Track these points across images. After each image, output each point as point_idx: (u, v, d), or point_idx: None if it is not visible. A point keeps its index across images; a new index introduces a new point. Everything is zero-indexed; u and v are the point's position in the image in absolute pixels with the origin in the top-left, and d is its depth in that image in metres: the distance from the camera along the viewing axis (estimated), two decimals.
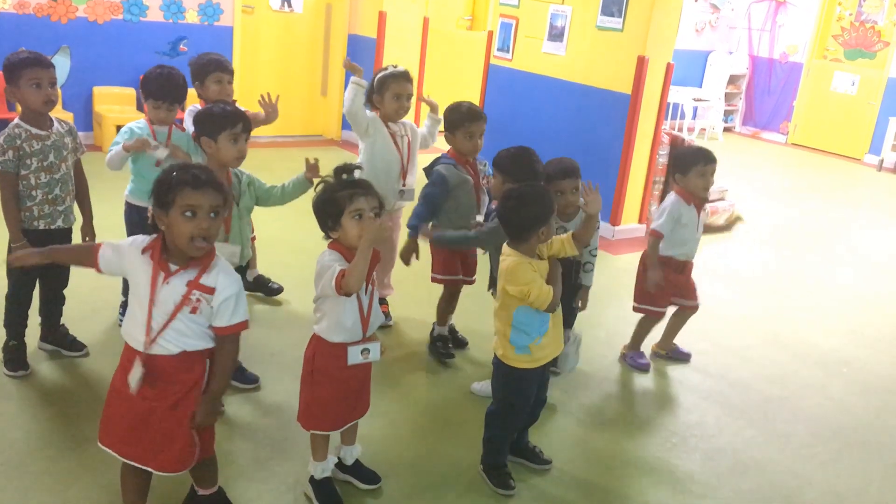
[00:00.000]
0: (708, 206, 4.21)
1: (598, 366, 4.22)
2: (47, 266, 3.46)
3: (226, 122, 3.16)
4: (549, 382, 3.23)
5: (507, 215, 2.88)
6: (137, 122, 3.77)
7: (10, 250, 3.36)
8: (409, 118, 4.20)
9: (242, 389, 3.55)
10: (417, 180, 4.13)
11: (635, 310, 4.21)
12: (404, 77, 4.04)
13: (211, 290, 2.33)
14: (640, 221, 6.58)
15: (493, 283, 3.56)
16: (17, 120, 3.32)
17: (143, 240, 2.37)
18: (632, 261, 5.28)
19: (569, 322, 4.00)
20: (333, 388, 2.73)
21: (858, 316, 5.37)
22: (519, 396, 3.02)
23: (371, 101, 4.09)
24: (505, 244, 2.93)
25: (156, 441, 2.38)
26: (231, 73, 4.12)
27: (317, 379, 2.73)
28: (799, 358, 4.59)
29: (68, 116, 6.80)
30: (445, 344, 4.08)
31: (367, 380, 2.85)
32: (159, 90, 3.69)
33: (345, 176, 2.65)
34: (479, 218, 3.89)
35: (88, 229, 3.62)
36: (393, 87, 3.99)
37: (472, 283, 4.11)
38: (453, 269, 3.97)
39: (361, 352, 2.71)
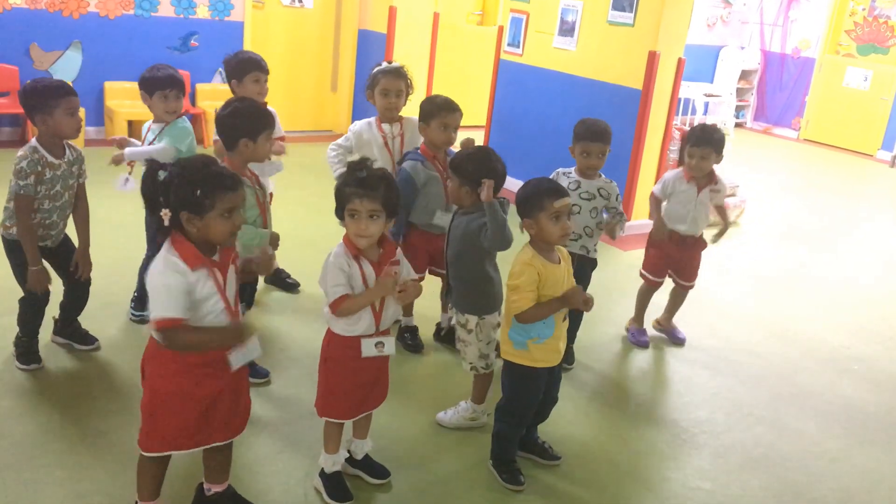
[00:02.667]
0: (722, 189, 4.29)
1: (608, 362, 4.22)
2: (60, 270, 3.52)
3: (267, 123, 3.23)
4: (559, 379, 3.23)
5: (518, 196, 2.96)
6: (156, 126, 3.82)
7: (27, 274, 3.34)
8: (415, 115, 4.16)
9: (253, 384, 3.54)
10: None
11: (641, 275, 4.42)
12: (393, 73, 3.99)
13: (237, 256, 2.52)
14: (650, 217, 6.55)
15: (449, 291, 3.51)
16: (34, 143, 3.30)
17: (171, 262, 2.29)
18: (641, 256, 5.26)
19: (576, 322, 4.01)
20: (346, 377, 2.74)
21: (869, 312, 5.34)
22: (523, 393, 3.02)
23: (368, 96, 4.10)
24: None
25: (226, 414, 2.48)
26: (267, 72, 4.14)
27: (330, 367, 2.75)
28: (809, 354, 4.57)
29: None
30: (413, 334, 4.08)
31: (383, 370, 2.85)
32: (169, 79, 3.76)
33: (357, 173, 2.65)
34: (444, 217, 3.79)
35: (83, 255, 3.54)
36: (381, 83, 3.97)
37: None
38: (420, 268, 3.92)
39: (376, 345, 2.72)
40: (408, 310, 4.09)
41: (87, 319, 3.80)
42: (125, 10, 7.41)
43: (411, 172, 3.77)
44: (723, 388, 4.07)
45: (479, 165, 3.20)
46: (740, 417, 3.80)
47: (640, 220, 6.49)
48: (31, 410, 3.24)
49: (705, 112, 11.13)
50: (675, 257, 4.29)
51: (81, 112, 3.47)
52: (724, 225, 4.33)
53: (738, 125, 12.15)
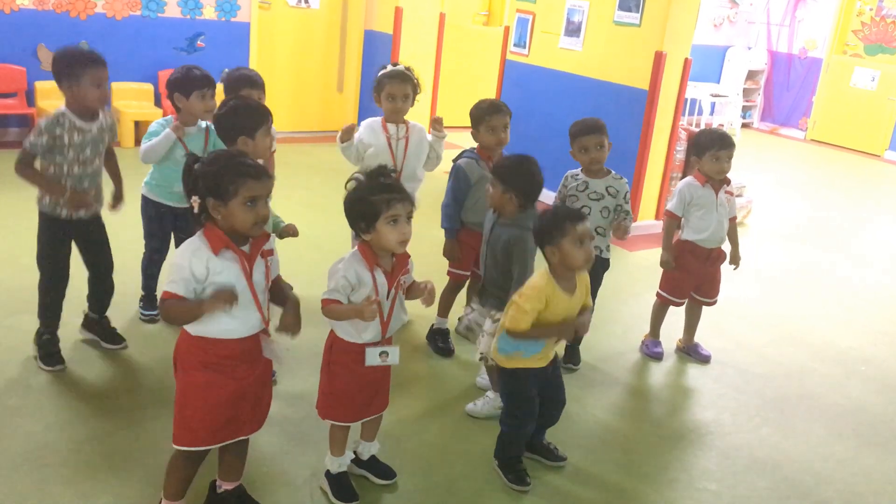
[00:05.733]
0: (734, 189, 4.17)
1: (615, 362, 4.21)
2: (88, 249, 3.57)
3: (263, 117, 3.23)
4: (565, 379, 3.23)
5: (537, 226, 2.96)
6: (165, 119, 3.79)
7: (70, 198, 3.36)
8: (421, 120, 4.15)
9: None
10: (431, 179, 4.12)
11: (657, 296, 4.26)
12: (399, 77, 3.96)
13: (272, 252, 2.51)
14: (656, 218, 6.55)
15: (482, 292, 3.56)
16: (63, 108, 3.34)
17: (199, 245, 2.33)
18: (648, 257, 5.26)
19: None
20: (349, 380, 2.74)
21: (877, 314, 5.32)
22: (515, 393, 3.03)
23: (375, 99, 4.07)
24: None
25: (249, 410, 2.51)
26: (262, 87, 4.03)
27: (333, 370, 2.75)
28: (817, 356, 4.56)
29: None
30: (445, 338, 4.09)
31: (386, 376, 2.86)
32: (203, 78, 3.70)
33: (382, 179, 2.63)
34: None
35: (119, 194, 3.68)
36: (387, 88, 3.94)
37: None
38: (466, 266, 3.99)
39: (380, 354, 2.71)
40: (442, 311, 4.09)
41: None
42: (132, 11, 7.43)
43: (466, 169, 3.80)
44: (729, 389, 4.06)
45: (520, 175, 3.28)
46: (747, 418, 3.79)
47: (646, 221, 6.49)
48: (39, 410, 3.25)
49: (712, 112, 11.12)
50: (698, 274, 4.14)
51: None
52: (735, 250, 4.19)
53: (744, 125, 12.12)
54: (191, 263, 2.30)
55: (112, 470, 2.88)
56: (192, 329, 2.39)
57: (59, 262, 3.50)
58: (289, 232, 3.45)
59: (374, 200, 2.56)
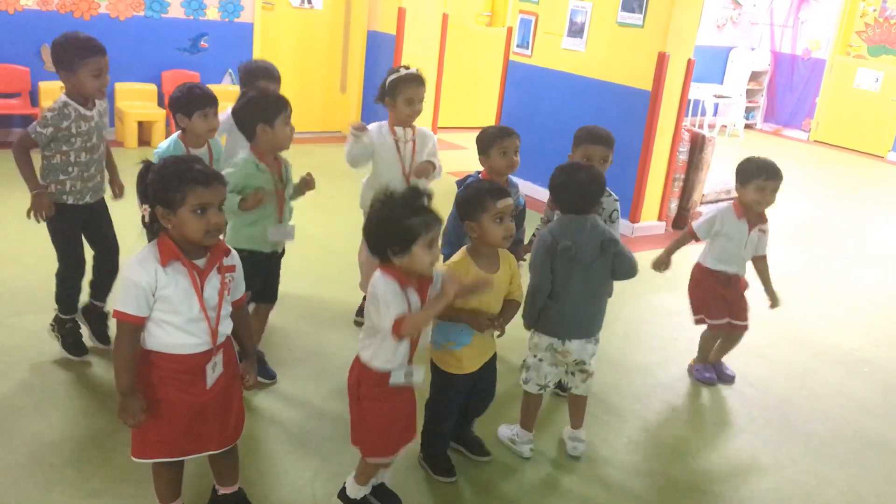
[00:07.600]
0: (767, 227, 3.96)
1: (615, 364, 4.21)
2: (93, 231, 3.57)
3: (281, 105, 3.22)
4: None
5: (459, 199, 2.90)
6: (171, 139, 3.64)
7: (30, 199, 3.35)
8: (427, 124, 4.12)
9: (260, 384, 3.56)
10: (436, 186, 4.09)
11: (696, 322, 4.08)
12: (417, 81, 3.92)
13: (233, 268, 2.43)
14: (659, 219, 6.56)
15: None
16: (65, 98, 3.33)
17: (147, 256, 2.28)
18: (650, 257, 5.24)
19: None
20: (383, 414, 2.62)
21: (879, 315, 5.32)
22: (441, 394, 2.97)
23: (383, 102, 4.00)
24: None
25: (213, 426, 2.46)
26: (278, 79, 4.03)
27: (365, 406, 2.61)
28: (819, 357, 4.55)
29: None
30: None
31: (414, 403, 2.73)
32: (205, 98, 3.56)
33: (419, 202, 2.48)
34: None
35: (116, 179, 3.68)
36: (405, 92, 3.89)
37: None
38: None
39: (405, 374, 2.58)
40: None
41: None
42: (136, 12, 7.45)
43: None
44: (732, 391, 4.06)
45: (563, 183, 3.11)
46: (749, 420, 3.79)
47: (648, 222, 6.49)
48: (42, 409, 3.25)
49: (715, 113, 11.12)
50: (727, 298, 3.96)
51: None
52: (769, 288, 4.00)
53: (747, 127, 12.12)
54: (139, 277, 2.24)
55: (115, 469, 2.89)
56: (146, 343, 2.33)
57: (75, 248, 3.52)
58: (306, 184, 3.44)
59: (414, 223, 2.42)
